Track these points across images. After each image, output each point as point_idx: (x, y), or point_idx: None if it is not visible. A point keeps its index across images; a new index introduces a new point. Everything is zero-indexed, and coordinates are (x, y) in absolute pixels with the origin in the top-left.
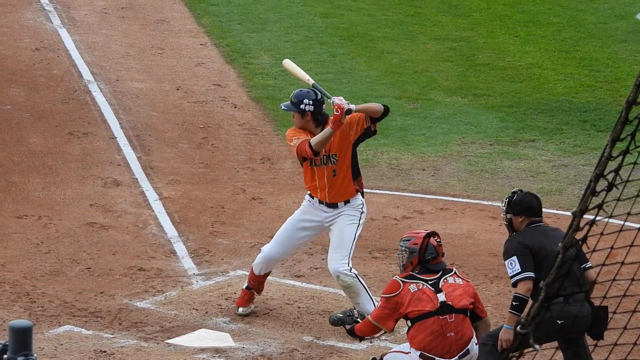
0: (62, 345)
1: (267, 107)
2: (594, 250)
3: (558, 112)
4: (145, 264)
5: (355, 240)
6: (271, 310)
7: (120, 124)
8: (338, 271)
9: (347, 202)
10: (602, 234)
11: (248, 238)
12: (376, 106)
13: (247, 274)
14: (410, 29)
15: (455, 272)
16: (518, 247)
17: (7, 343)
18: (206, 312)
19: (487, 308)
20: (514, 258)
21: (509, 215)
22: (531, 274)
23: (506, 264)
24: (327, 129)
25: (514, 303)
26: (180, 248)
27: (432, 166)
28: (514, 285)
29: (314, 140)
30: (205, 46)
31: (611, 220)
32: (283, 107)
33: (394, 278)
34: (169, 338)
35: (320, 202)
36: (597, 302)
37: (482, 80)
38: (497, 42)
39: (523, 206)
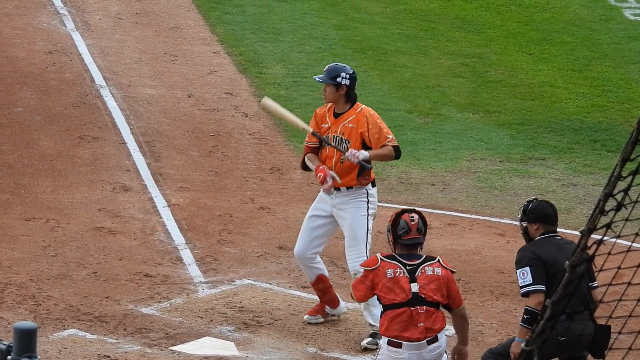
0: (66, 348)
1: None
2: (600, 270)
3: (569, 131)
4: (151, 270)
5: (368, 232)
6: (276, 320)
7: (130, 129)
8: (356, 270)
9: (349, 187)
10: (609, 253)
11: (255, 247)
12: (389, 155)
13: (254, 283)
14: (424, 44)
15: (438, 261)
16: (532, 258)
17: (11, 344)
18: (211, 320)
19: (491, 325)
20: (527, 269)
21: (524, 224)
22: (543, 287)
23: (517, 273)
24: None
25: (525, 316)
26: (187, 255)
27: (442, 181)
28: (524, 295)
29: (307, 160)
30: (218, 54)
31: (619, 240)
32: (317, 79)
33: (376, 254)
34: (173, 345)
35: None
36: (602, 322)
37: (494, 97)
38: (510, 60)
39: (537, 213)
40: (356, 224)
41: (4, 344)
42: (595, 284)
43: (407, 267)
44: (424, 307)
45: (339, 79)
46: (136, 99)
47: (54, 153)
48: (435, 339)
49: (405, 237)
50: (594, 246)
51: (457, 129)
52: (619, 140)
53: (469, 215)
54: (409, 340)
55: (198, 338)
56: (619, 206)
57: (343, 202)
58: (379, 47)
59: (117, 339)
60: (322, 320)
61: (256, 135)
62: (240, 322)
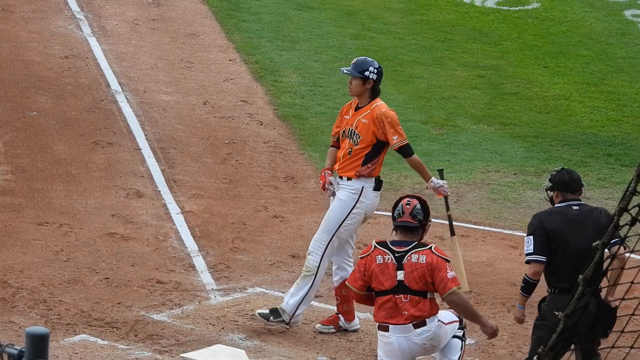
0: (76, 354)
1: (293, 125)
2: (614, 285)
3: (583, 145)
4: (164, 276)
5: (341, 227)
6: (287, 329)
7: (145, 135)
8: (310, 252)
9: (349, 179)
10: (623, 268)
11: (268, 256)
12: (415, 162)
13: (266, 291)
14: (440, 55)
15: (430, 248)
16: (537, 227)
17: (23, 349)
18: (222, 328)
19: (502, 337)
20: (531, 237)
21: (549, 192)
22: (542, 258)
23: (525, 240)
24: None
25: (522, 284)
26: (199, 262)
27: (455, 193)
28: (527, 262)
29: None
30: (234, 62)
31: (633, 255)
32: (345, 71)
33: (372, 241)
34: (184, 352)
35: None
36: (613, 337)
37: (509, 109)
38: (526, 72)
39: (555, 181)
40: (334, 213)
41: (15, 349)
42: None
43: (396, 255)
44: (408, 296)
45: (366, 73)
46: (151, 105)
47: (68, 158)
48: (423, 324)
49: (398, 220)
50: (608, 260)
51: (472, 141)
52: (633, 155)
53: (482, 227)
54: (396, 324)
55: (209, 345)
56: (634, 221)
57: (339, 188)
58: (395, 57)
59: (128, 345)
60: (333, 330)
61: (271, 143)
62: (252, 330)
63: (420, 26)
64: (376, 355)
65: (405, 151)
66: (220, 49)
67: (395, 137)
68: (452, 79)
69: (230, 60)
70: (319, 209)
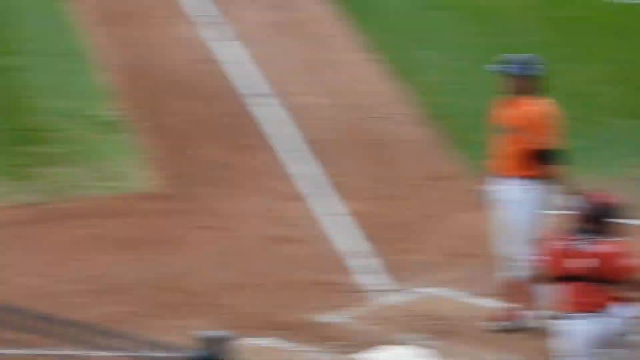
0: (256, 357)
1: (441, 124)
2: None
3: None
4: (326, 278)
5: (527, 229)
6: (467, 328)
7: (294, 138)
8: (514, 267)
9: (516, 177)
10: None
11: (434, 256)
12: None
13: (432, 291)
14: (577, 51)
15: (610, 240)
16: None
17: (202, 353)
18: (392, 329)
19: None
20: None
21: None
22: None
23: None
24: None
25: None
26: (363, 264)
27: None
28: None
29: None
30: (373, 63)
31: None
32: (509, 69)
33: None
34: (364, 352)
35: None
36: None
37: None
38: None
39: None
40: (517, 217)
41: (200, 352)
42: None
43: (574, 243)
44: (585, 284)
45: (530, 71)
46: (298, 107)
47: (221, 162)
48: (603, 313)
49: None
50: None
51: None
52: None
53: None
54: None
55: (381, 345)
56: None
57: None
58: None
59: (296, 347)
60: (509, 326)
61: (423, 143)
62: (429, 331)
63: (555, 22)
64: (557, 351)
65: (546, 157)
66: (358, 50)
67: (541, 139)
68: (594, 74)
69: (367, 60)
70: (473, 208)
